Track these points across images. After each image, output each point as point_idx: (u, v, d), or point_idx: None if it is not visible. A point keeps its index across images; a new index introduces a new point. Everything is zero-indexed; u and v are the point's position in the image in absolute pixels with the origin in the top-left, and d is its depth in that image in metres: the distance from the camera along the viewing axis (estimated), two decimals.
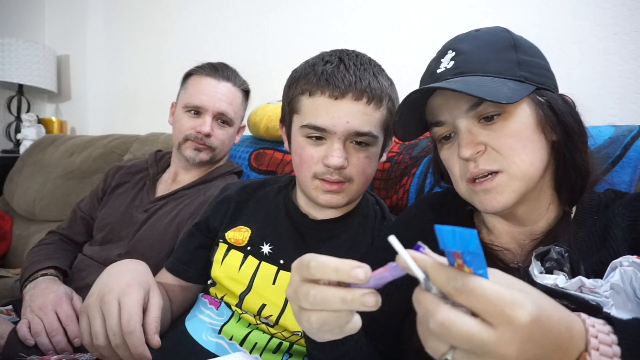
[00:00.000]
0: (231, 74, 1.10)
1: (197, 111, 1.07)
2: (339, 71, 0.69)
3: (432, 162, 0.70)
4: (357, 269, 0.35)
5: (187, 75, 1.12)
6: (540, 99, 0.54)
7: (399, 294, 0.57)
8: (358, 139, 0.70)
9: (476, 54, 0.55)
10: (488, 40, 0.56)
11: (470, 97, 0.52)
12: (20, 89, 2.30)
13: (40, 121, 2.35)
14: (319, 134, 0.70)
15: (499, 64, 0.54)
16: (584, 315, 0.34)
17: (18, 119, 2.32)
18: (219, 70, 1.09)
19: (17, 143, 2.29)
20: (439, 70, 0.57)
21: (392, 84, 0.76)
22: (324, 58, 0.73)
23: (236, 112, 1.11)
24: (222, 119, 1.09)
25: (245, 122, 1.23)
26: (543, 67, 0.57)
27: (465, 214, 0.65)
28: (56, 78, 2.33)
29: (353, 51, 0.75)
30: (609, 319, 0.34)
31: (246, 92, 1.15)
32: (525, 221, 0.59)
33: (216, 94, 1.07)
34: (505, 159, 0.53)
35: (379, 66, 0.75)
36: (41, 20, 2.55)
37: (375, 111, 0.70)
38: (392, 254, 0.34)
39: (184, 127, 1.07)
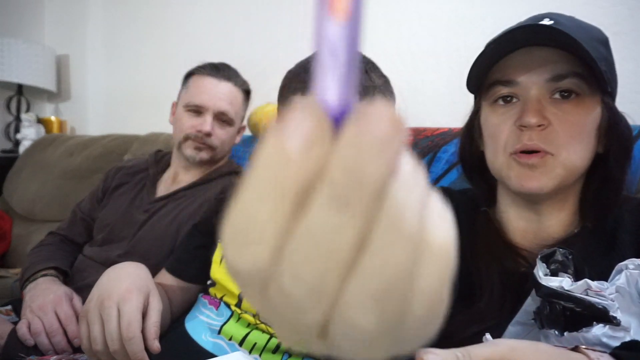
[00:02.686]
0: (232, 74, 1.11)
1: (197, 110, 1.07)
2: None
3: (466, 129, 0.64)
4: None
5: (189, 75, 1.12)
6: (610, 102, 0.54)
7: None
8: None
9: (574, 31, 0.50)
10: (584, 25, 0.54)
11: (555, 66, 0.50)
12: (20, 88, 2.30)
13: (39, 121, 2.34)
14: None
15: (594, 50, 0.50)
16: (588, 352, 0.33)
17: (17, 118, 2.31)
18: (220, 70, 1.09)
19: (17, 143, 2.29)
20: (541, 22, 0.51)
21: (386, 81, 0.75)
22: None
23: (237, 112, 1.11)
24: (222, 118, 1.09)
25: (245, 122, 1.23)
26: (616, 79, 0.56)
27: (480, 214, 0.63)
28: (56, 78, 2.33)
29: None
30: (615, 355, 0.34)
31: (247, 93, 1.15)
32: (543, 219, 0.57)
33: (217, 93, 1.07)
34: (562, 144, 0.51)
35: (372, 63, 0.74)
36: (41, 20, 2.55)
37: None
38: None
39: (184, 126, 1.07)
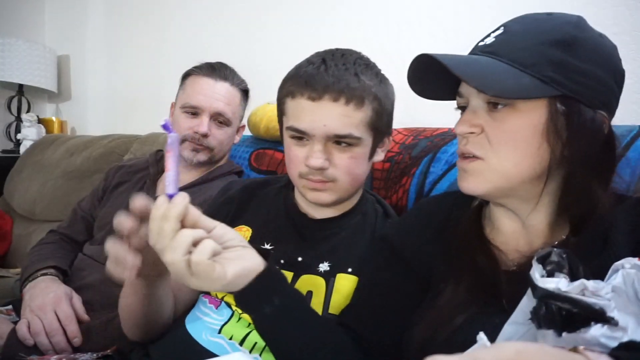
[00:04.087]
0: (229, 74, 1.10)
1: (194, 111, 1.07)
2: (318, 72, 0.70)
3: None
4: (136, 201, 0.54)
5: (185, 76, 1.12)
6: (559, 106, 0.51)
7: (397, 288, 0.58)
8: (338, 141, 0.71)
9: (518, 38, 0.53)
10: (541, 28, 0.53)
11: None
12: (21, 89, 2.30)
13: (40, 121, 2.35)
14: (301, 135, 0.72)
15: (529, 57, 0.51)
16: (587, 352, 0.33)
17: (18, 119, 2.32)
18: (217, 70, 1.09)
19: (17, 143, 2.29)
20: (480, 43, 0.58)
21: (380, 82, 0.74)
22: (310, 59, 0.74)
23: (234, 112, 1.11)
24: (219, 119, 1.08)
25: (245, 122, 1.23)
26: (593, 78, 0.51)
27: (473, 209, 0.65)
28: (56, 78, 2.33)
29: (340, 51, 0.75)
30: (615, 356, 0.33)
31: (245, 92, 1.15)
32: (522, 217, 0.58)
33: (213, 93, 1.06)
34: (491, 150, 0.53)
35: (367, 64, 0.74)
36: (41, 20, 2.55)
37: (356, 112, 0.70)
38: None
39: (181, 128, 1.07)
